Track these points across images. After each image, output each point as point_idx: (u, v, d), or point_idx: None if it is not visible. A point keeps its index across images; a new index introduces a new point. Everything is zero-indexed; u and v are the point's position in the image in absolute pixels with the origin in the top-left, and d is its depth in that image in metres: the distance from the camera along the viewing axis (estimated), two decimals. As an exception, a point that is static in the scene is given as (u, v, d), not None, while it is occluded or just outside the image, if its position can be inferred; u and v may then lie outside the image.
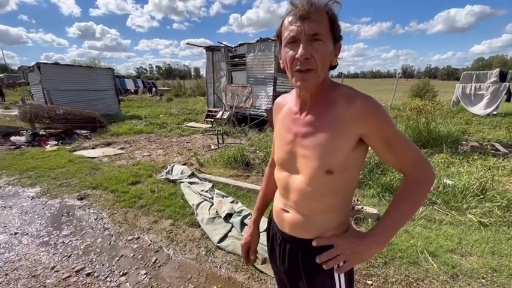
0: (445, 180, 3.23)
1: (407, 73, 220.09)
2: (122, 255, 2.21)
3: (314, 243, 0.78)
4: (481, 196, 2.93)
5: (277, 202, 0.92)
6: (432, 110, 5.50)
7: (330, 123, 0.72)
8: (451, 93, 11.87)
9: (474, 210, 2.75)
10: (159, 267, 2.09)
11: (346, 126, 0.70)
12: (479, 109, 8.92)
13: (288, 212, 0.85)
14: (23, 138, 5.95)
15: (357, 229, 0.82)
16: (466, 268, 2.01)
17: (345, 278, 0.79)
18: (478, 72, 9.68)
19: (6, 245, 2.34)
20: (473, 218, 2.63)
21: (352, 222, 2.61)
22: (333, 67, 0.76)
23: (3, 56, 70.62)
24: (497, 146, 5.11)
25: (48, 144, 5.82)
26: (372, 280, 1.93)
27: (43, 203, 3.13)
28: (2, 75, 30.17)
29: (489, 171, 3.64)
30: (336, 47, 0.71)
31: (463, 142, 5.19)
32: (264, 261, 2.04)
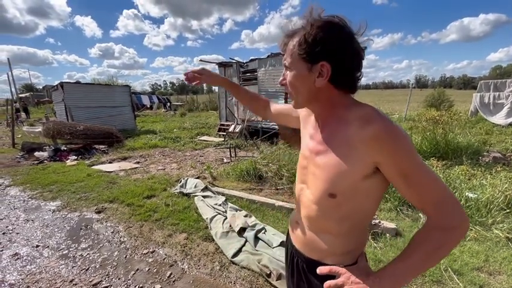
0: (467, 193, 3.09)
1: (420, 83, 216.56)
2: (138, 269, 2.23)
3: (318, 271, 0.74)
4: (507, 210, 2.78)
5: (293, 214, 0.96)
6: (449, 121, 5.34)
7: (339, 145, 0.69)
8: (468, 103, 11.52)
9: (501, 225, 2.60)
10: (173, 281, 2.09)
11: (356, 150, 0.65)
12: (499, 119, 8.58)
13: (298, 224, 0.88)
14: (45, 154, 6.24)
15: (368, 266, 0.76)
16: (495, 288, 1.89)
17: None
18: (496, 81, 9.41)
19: (28, 257, 2.42)
20: (500, 234, 2.48)
21: (370, 237, 2.53)
22: (342, 85, 0.69)
23: (30, 76, 75.62)
24: (522, 156, 4.86)
25: (68, 159, 6.06)
26: (392, 299, 1.84)
27: (63, 216, 3.24)
28: (28, 94, 32.13)
29: (515, 183, 3.45)
30: (314, 68, 0.67)
31: (485, 153, 4.98)
32: (279, 277, 2.00)
